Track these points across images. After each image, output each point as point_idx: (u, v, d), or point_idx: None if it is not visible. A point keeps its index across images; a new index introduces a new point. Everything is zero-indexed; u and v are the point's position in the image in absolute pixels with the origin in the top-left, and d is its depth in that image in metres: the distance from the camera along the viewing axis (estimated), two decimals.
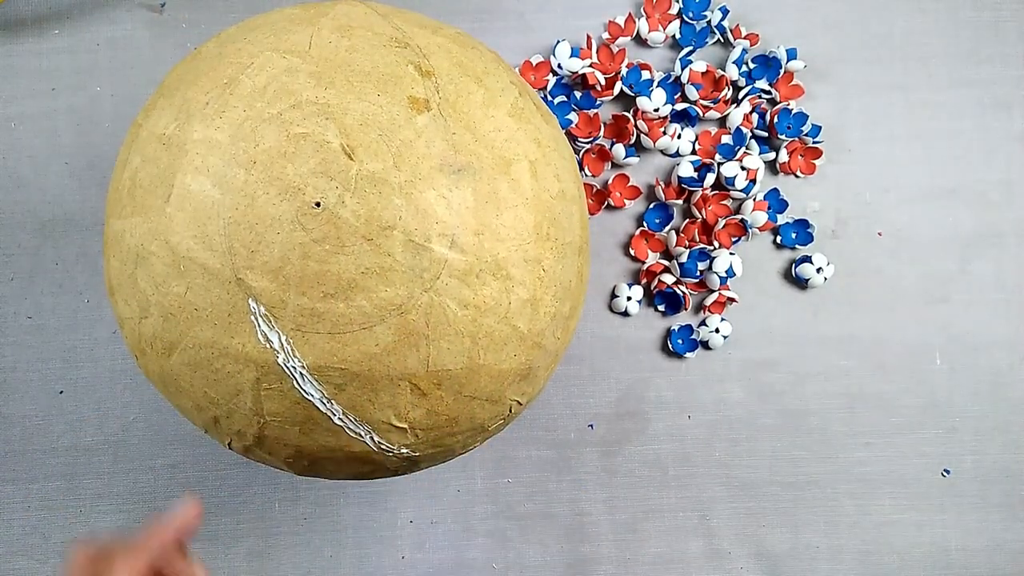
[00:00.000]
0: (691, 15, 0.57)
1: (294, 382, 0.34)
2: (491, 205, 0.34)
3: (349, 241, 0.32)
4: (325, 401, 0.34)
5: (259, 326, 0.33)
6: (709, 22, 0.57)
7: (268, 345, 0.33)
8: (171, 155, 0.34)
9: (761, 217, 0.56)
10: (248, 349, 0.33)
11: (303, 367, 0.33)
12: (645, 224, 0.57)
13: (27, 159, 0.57)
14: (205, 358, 0.34)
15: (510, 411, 0.39)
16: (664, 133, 0.56)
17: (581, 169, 0.57)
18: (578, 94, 0.57)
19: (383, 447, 0.36)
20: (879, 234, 0.58)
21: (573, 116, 0.56)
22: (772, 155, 0.57)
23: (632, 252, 0.57)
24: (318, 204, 0.32)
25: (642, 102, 0.55)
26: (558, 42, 0.56)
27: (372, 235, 0.32)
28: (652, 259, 0.57)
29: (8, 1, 0.57)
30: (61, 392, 0.56)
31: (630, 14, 0.57)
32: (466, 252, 0.34)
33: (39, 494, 0.56)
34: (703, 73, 0.56)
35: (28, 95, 0.57)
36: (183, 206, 0.33)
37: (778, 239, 0.57)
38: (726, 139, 0.57)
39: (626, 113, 0.56)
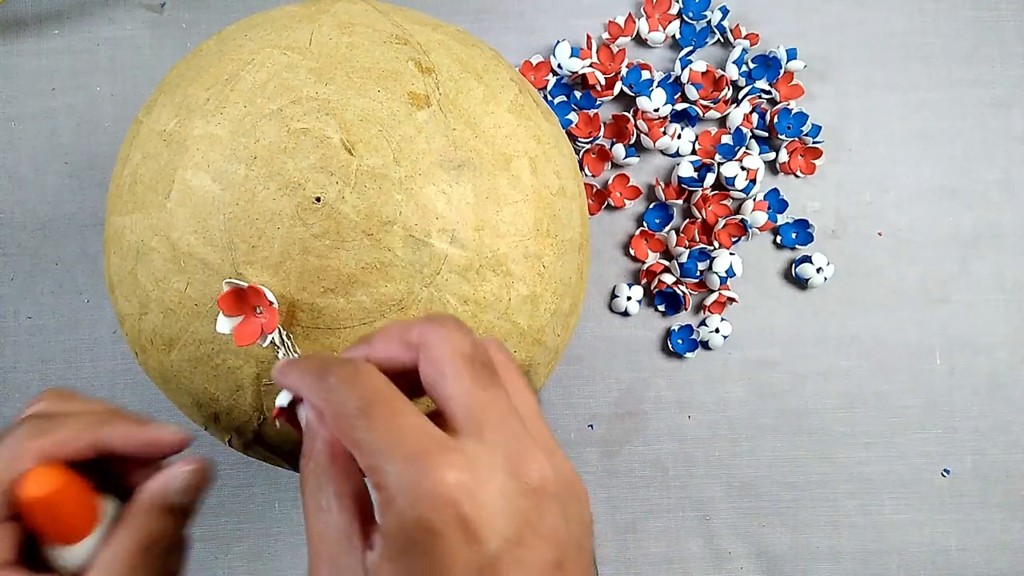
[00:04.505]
0: (691, 15, 0.57)
1: None
2: (491, 201, 0.34)
3: (349, 236, 0.32)
4: None
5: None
6: (709, 22, 0.57)
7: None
8: (172, 151, 0.34)
9: (761, 217, 0.56)
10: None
11: None
12: (645, 224, 0.57)
13: (27, 159, 0.57)
14: (206, 353, 0.34)
15: None
16: (664, 133, 0.56)
17: (581, 169, 0.57)
18: (578, 94, 0.57)
19: None
20: (879, 234, 0.58)
21: (573, 116, 0.56)
22: (772, 155, 0.57)
23: (632, 252, 0.57)
24: (318, 199, 0.32)
25: (642, 102, 0.55)
26: (558, 42, 0.57)
27: (372, 230, 0.32)
28: (652, 259, 0.57)
29: (8, 1, 0.57)
30: None
31: (630, 14, 0.57)
32: (466, 248, 0.34)
33: None
34: (703, 73, 0.56)
35: (28, 95, 0.57)
36: (184, 202, 0.34)
37: (778, 239, 0.57)
38: (726, 139, 0.57)
39: (626, 113, 0.56)
